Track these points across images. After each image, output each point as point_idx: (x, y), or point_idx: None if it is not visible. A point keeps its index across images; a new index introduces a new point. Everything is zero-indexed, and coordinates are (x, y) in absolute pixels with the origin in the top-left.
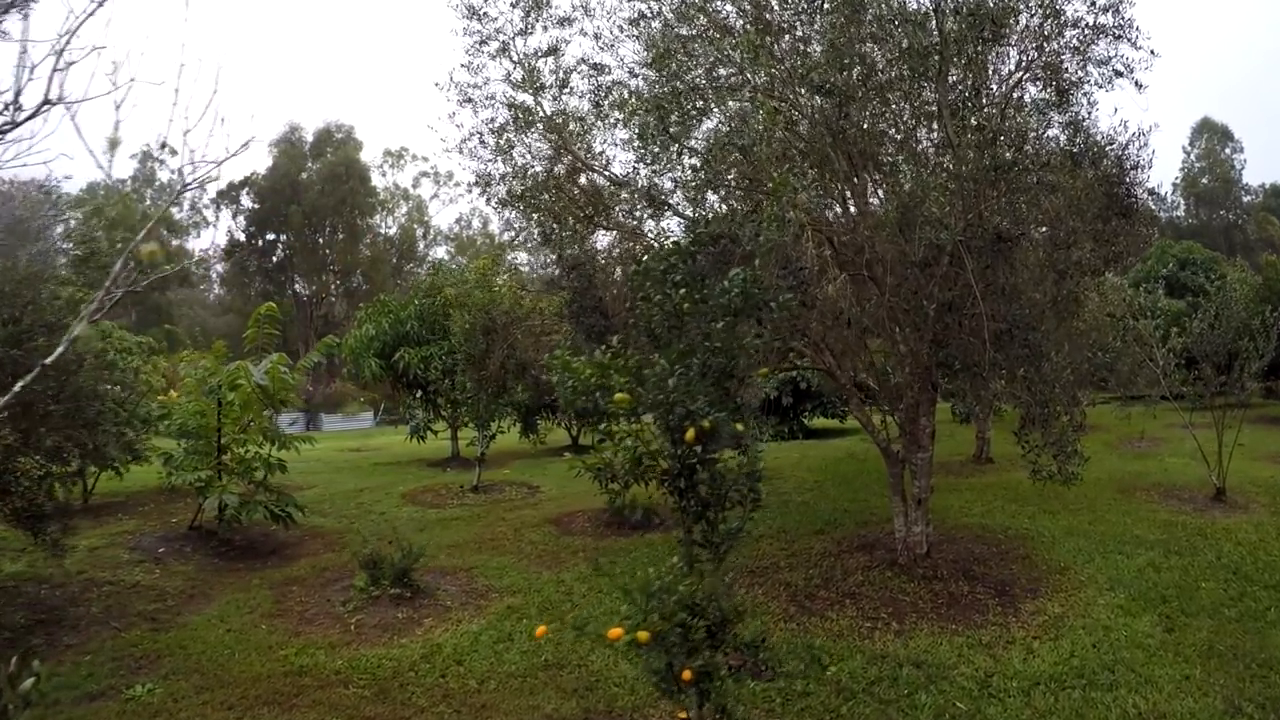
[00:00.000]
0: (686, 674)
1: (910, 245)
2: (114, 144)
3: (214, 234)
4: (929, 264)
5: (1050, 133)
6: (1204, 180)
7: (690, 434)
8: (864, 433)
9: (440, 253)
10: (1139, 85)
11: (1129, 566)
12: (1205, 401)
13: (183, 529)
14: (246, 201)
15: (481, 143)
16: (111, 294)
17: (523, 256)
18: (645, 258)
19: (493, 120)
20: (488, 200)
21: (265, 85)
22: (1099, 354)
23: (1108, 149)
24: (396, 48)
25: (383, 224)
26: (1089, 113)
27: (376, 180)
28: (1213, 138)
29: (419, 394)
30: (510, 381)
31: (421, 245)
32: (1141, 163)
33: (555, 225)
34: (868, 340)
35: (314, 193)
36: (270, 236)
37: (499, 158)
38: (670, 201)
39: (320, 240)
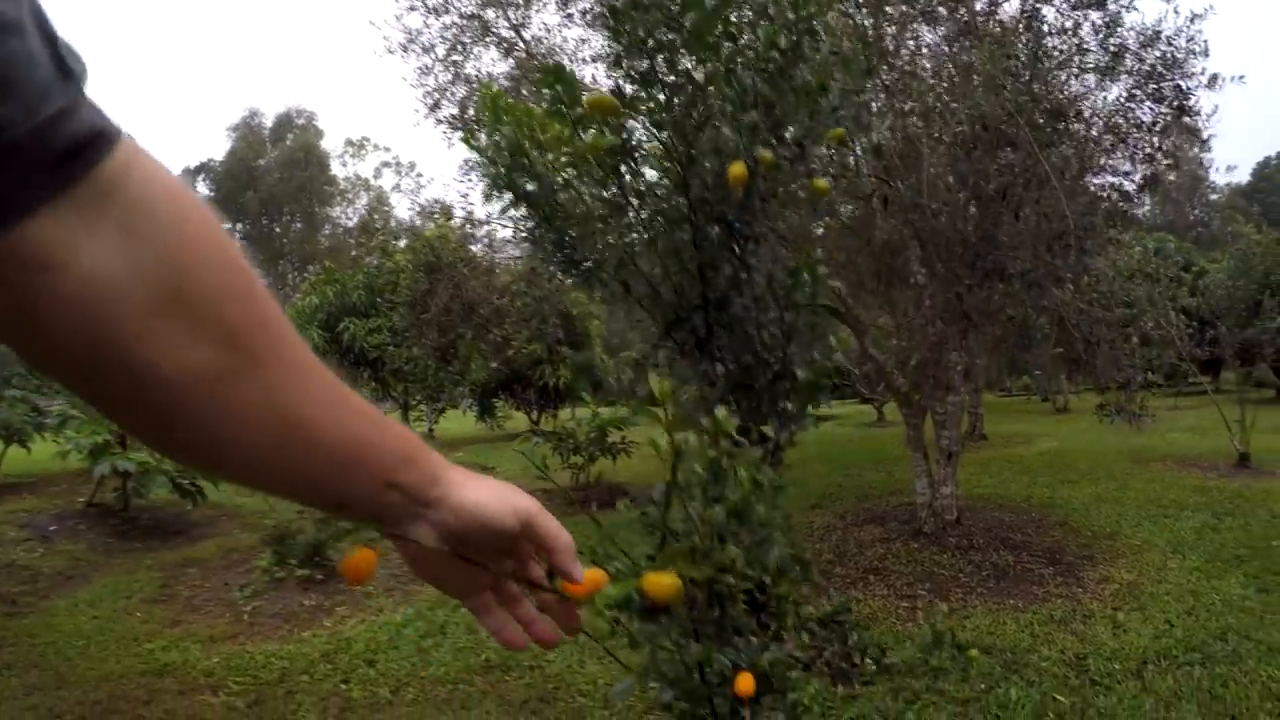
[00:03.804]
0: (745, 682)
1: (946, 122)
2: None
3: None
4: (972, 146)
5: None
6: (1171, 178)
7: (737, 170)
8: (842, 420)
9: (401, 244)
10: None
11: (1183, 529)
12: (1226, 364)
13: (82, 506)
14: (203, 188)
15: (430, 46)
16: None
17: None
18: None
19: (447, 27)
20: (437, 121)
21: (228, 72)
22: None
23: (1155, 39)
24: (361, 37)
25: (343, 214)
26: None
27: (337, 169)
28: (1181, 134)
29: (366, 373)
30: (457, 331)
31: (381, 236)
32: (1195, 50)
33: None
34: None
35: (272, 179)
36: (226, 226)
37: (450, 64)
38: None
39: (277, 229)
